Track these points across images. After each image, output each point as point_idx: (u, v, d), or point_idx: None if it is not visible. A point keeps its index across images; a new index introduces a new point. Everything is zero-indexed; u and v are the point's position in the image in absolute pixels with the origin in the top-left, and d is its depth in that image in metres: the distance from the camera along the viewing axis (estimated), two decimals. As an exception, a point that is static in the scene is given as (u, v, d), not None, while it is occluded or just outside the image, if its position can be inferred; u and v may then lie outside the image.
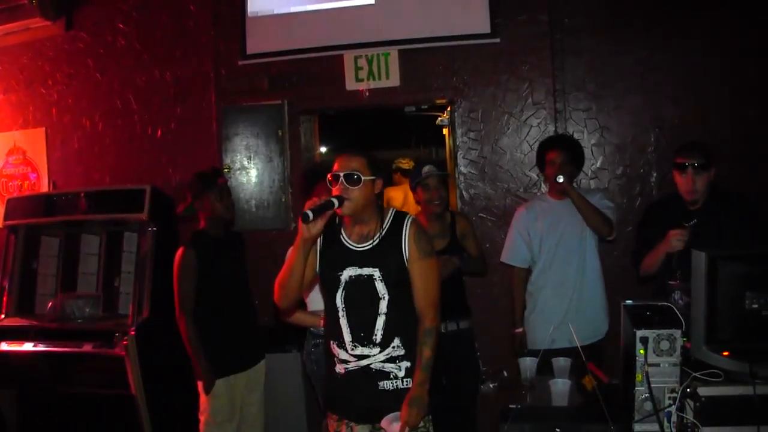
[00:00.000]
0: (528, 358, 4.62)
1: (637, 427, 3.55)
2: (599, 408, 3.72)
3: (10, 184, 7.97)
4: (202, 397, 5.54)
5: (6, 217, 6.96)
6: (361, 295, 3.93)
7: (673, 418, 3.48)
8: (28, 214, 6.92)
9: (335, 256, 4.00)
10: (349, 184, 3.83)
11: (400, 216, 4.07)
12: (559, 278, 5.63)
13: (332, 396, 4.16)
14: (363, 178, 3.85)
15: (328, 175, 3.88)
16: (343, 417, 4.05)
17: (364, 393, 3.94)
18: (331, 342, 4.02)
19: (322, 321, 5.13)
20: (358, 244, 3.98)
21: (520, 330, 5.75)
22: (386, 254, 3.94)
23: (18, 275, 6.98)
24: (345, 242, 4.01)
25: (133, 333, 6.18)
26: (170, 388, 6.46)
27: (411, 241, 3.95)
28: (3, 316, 6.80)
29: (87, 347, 6.32)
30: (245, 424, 5.80)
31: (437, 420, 4.09)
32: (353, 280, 3.93)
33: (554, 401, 4.13)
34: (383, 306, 3.90)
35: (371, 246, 3.96)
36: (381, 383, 3.92)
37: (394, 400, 3.86)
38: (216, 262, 5.55)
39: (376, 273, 3.91)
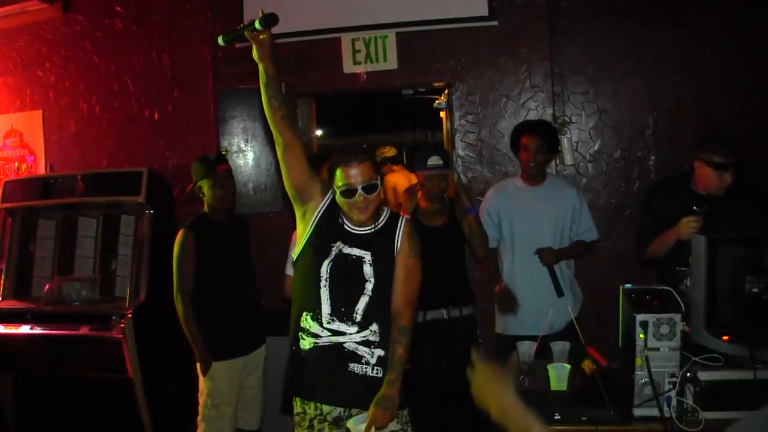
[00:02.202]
0: (526, 342, 4.61)
1: (636, 411, 3.56)
2: (598, 392, 3.73)
3: (7, 166, 7.94)
4: (201, 379, 5.54)
5: (3, 200, 6.93)
6: (348, 270, 3.88)
7: (673, 402, 3.49)
8: (25, 196, 6.91)
9: (330, 228, 3.93)
10: (369, 194, 3.80)
11: (395, 214, 4.08)
12: (529, 262, 5.68)
13: (296, 377, 4.02)
14: (378, 183, 3.84)
15: (338, 191, 3.83)
16: (309, 399, 3.95)
17: (332, 372, 3.88)
18: (304, 314, 3.94)
19: None
20: (354, 226, 3.93)
21: (502, 285, 5.77)
22: (379, 242, 3.92)
23: (15, 258, 6.97)
24: (342, 221, 3.93)
25: (130, 316, 6.17)
26: (167, 371, 6.47)
27: (404, 237, 3.96)
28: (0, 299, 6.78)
29: (84, 330, 6.30)
30: (243, 407, 5.80)
31: (436, 405, 4.07)
32: (343, 256, 3.88)
33: (553, 385, 4.13)
34: (369, 288, 3.88)
35: (366, 232, 3.93)
36: (351, 365, 3.87)
37: (361, 385, 3.84)
38: (216, 246, 5.54)
39: (367, 257, 3.89)
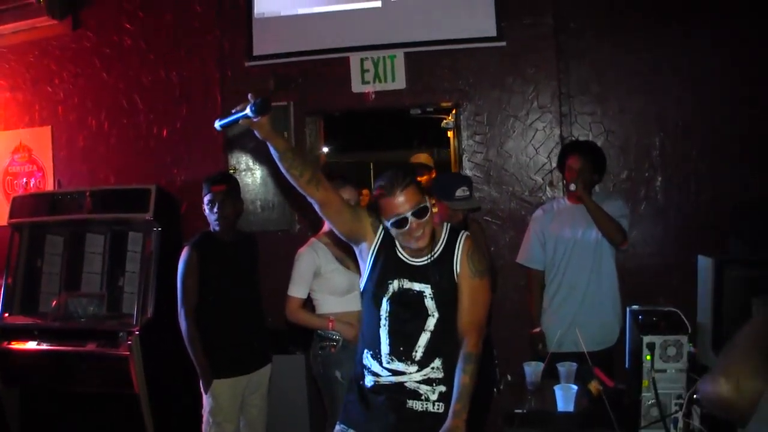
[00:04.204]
0: (533, 362, 4.61)
1: (643, 432, 3.56)
2: (605, 413, 3.73)
3: (16, 182, 7.97)
4: (204, 396, 5.54)
5: (11, 216, 6.96)
6: (408, 307, 3.73)
7: (680, 424, 3.48)
8: (33, 212, 6.93)
9: (387, 264, 3.79)
10: (420, 218, 3.65)
11: (454, 232, 3.88)
12: (573, 281, 5.67)
13: (351, 408, 3.92)
14: (427, 205, 3.67)
15: (389, 224, 3.66)
16: None
17: (389, 409, 3.74)
18: (365, 351, 3.82)
19: (330, 324, 5.13)
20: (411, 257, 3.79)
21: (537, 330, 5.75)
22: (439, 271, 3.75)
23: (22, 273, 6.98)
24: (399, 254, 3.80)
25: (137, 333, 6.19)
26: (174, 388, 6.48)
27: (464, 257, 3.77)
28: (7, 314, 6.79)
29: (91, 346, 6.33)
30: (247, 426, 5.79)
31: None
32: (402, 292, 3.74)
33: (560, 406, 4.13)
34: (431, 323, 3.71)
35: (425, 263, 3.77)
36: (410, 402, 3.72)
37: (419, 422, 3.70)
38: (220, 264, 5.53)
39: (427, 290, 3.72)
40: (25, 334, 6.59)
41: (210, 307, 5.47)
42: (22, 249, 7.00)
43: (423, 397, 3.72)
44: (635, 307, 3.87)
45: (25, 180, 7.92)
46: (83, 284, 6.99)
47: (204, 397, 5.53)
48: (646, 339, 3.48)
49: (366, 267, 3.85)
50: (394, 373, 3.72)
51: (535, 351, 5.66)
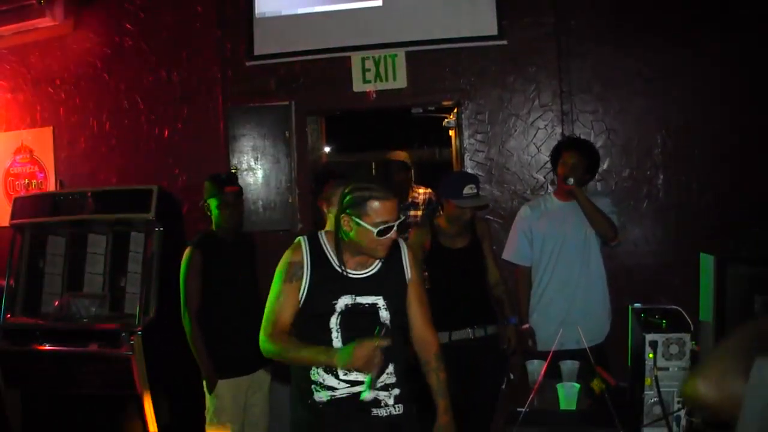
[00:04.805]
0: (536, 361, 4.60)
1: (645, 431, 3.54)
2: (607, 411, 3.72)
3: (17, 183, 7.97)
4: (207, 396, 5.54)
5: (13, 216, 6.95)
6: (360, 320, 3.67)
7: (682, 422, 3.48)
8: (35, 213, 6.92)
9: (329, 285, 3.71)
10: (397, 231, 3.63)
11: (393, 241, 3.79)
12: (562, 279, 5.66)
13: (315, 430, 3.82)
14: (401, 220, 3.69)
15: (372, 227, 3.53)
16: None
17: (356, 420, 3.71)
18: (314, 367, 3.72)
19: None
20: (355, 271, 3.75)
21: (527, 326, 5.74)
22: (390, 281, 3.78)
23: (24, 274, 6.96)
24: (340, 270, 3.72)
25: (139, 333, 6.18)
26: (176, 389, 6.46)
27: (411, 264, 3.85)
28: (9, 315, 6.78)
29: (93, 347, 6.31)
30: (249, 425, 5.79)
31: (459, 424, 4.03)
32: (352, 307, 3.68)
33: (562, 404, 4.13)
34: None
35: (372, 273, 3.77)
36: (374, 410, 3.70)
37: (387, 427, 3.71)
38: (222, 264, 5.54)
39: (380, 301, 3.70)
40: (27, 335, 6.57)
41: (213, 307, 5.48)
42: (24, 250, 6.98)
43: (382, 404, 3.71)
44: (637, 305, 3.86)
45: (26, 181, 7.93)
46: (85, 285, 6.98)
47: (207, 397, 5.53)
48: (649, 337, 3.47)
49: (301, 293, 3.75)
50: (353, 384, 3.67)
51: (525, 348, 5.67)
